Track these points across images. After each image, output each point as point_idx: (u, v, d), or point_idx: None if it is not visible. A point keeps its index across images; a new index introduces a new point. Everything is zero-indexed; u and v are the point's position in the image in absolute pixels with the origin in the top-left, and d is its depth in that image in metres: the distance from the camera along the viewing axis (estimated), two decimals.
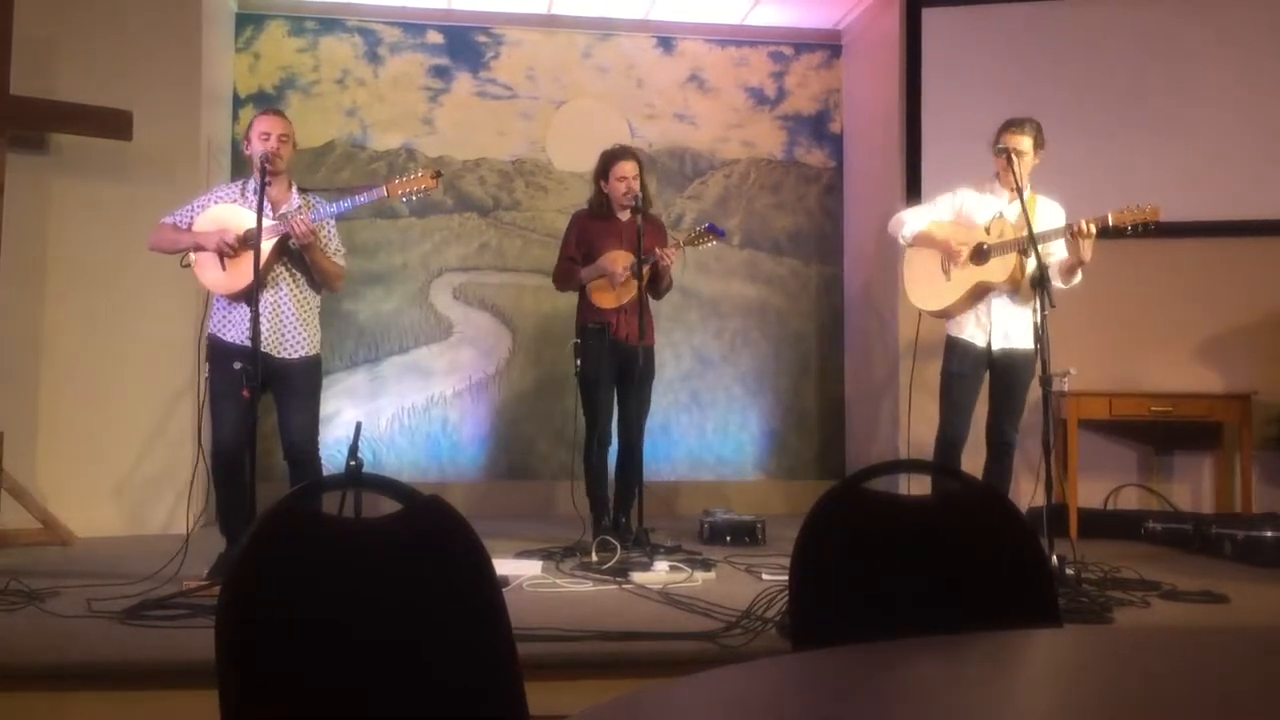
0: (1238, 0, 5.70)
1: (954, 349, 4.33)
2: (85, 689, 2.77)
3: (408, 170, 4.22)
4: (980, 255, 4.21)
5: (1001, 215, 4.22)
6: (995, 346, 4.25)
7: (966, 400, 4.29)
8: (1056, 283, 4.10)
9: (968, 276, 4.23)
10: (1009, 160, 4.09)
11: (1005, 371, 4.27)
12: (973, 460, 4.32)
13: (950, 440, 4.27)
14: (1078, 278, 4.15)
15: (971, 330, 4.29)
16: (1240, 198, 5.56)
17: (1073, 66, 5.79)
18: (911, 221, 4.38)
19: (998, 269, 4.17)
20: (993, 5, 5.95)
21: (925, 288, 4.37)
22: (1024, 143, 4.18)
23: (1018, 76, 5.73)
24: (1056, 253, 4.14)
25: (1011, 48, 5.90)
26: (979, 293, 4.23)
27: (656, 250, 4.64)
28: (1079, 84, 5.75)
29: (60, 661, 2.85)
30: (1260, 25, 5.65)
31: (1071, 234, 3.97)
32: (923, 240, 4.35)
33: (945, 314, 4.34)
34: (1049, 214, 4.22)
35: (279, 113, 4.21)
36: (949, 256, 4.26)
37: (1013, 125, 4.23)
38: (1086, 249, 3.99)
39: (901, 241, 4.44)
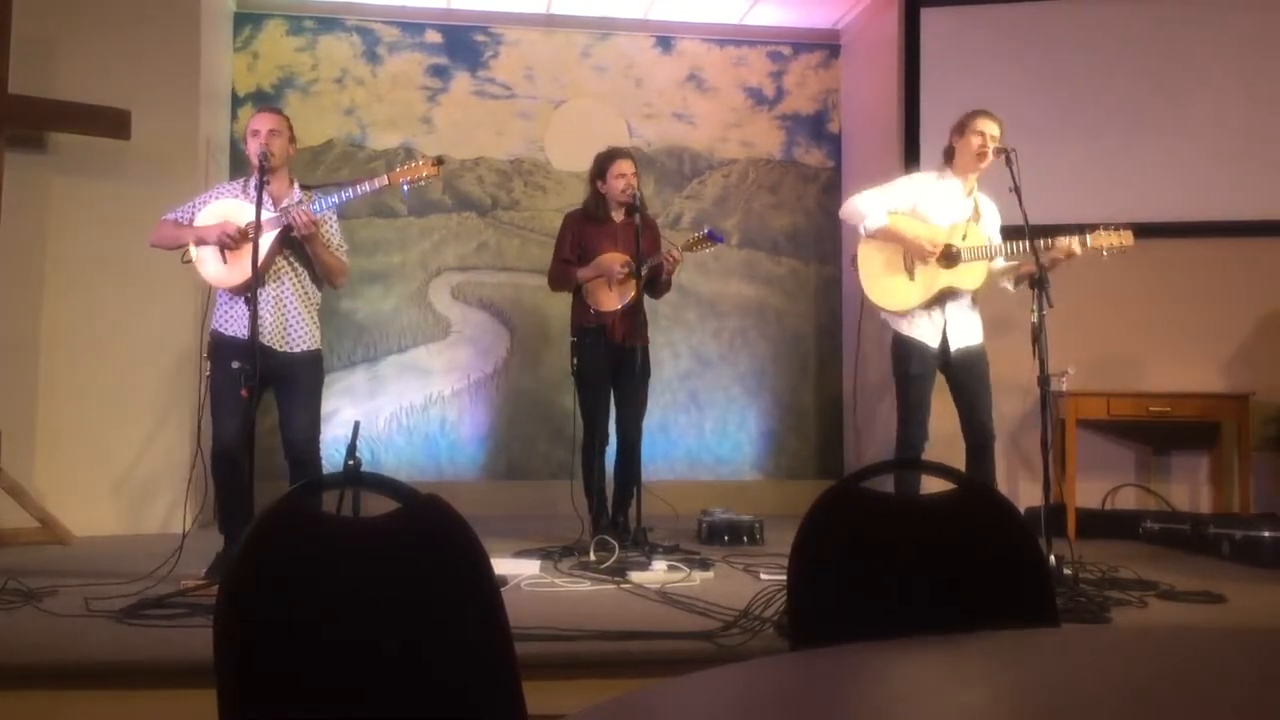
0: (1237, 1, 5.71)
1: (909, 350, 4.20)
2: (83, 688, 2.77)
3: None
4: (950, 258, 4.13)
5: (970, 220, 4.16)
6: (953, 346, 4.17)
7: (927, 401, 4.20)
8: (1005, 284, 4.12)
9: (936, 279, 4.14)
10: (1007, 160, 4.00)
11: (965, 369, 4.18)
12: (949, 459, 4.29)
13: (912, 443, 4.16)
14: (1023, 285, 4.09)
15: (923, 330, 4.18)
16: (1238, 198, 5.57)
17: (1071, 66, 5.79)
18: (872, 213, 4.22)
19: (970, 276, 4.12)
20: (991, 5, 5.95)
21: (886, 284, 4.24)
22: (999, 130, 4.11)
23: (1016, 76, 5.74)
24: (1001, 259, 4.12)
25: (1010, 48, 5.90)
26: (945, 296, 4.17)
27: (662, 259, 4.66)
28: (1077, 84, 5.75)
29: (58, 660, 2.85)
30: (1259, 26, 5.65)
31: (1049, 248, 3.95)
32: (886, 235, 4.21)
33: (905, 313, 4.23)
34: (990, 214, 4.20)
35: (271, 109, 4.22)
36: (916, 257, 4.16)
37: (985, 112, 4.15)
38: (1057, 265, 3.98)
39: (862, 232, 4.27)
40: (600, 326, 4.76)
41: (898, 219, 4.21)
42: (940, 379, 4.26)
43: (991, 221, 4.20)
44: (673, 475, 6.47)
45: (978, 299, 4.26)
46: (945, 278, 4.14)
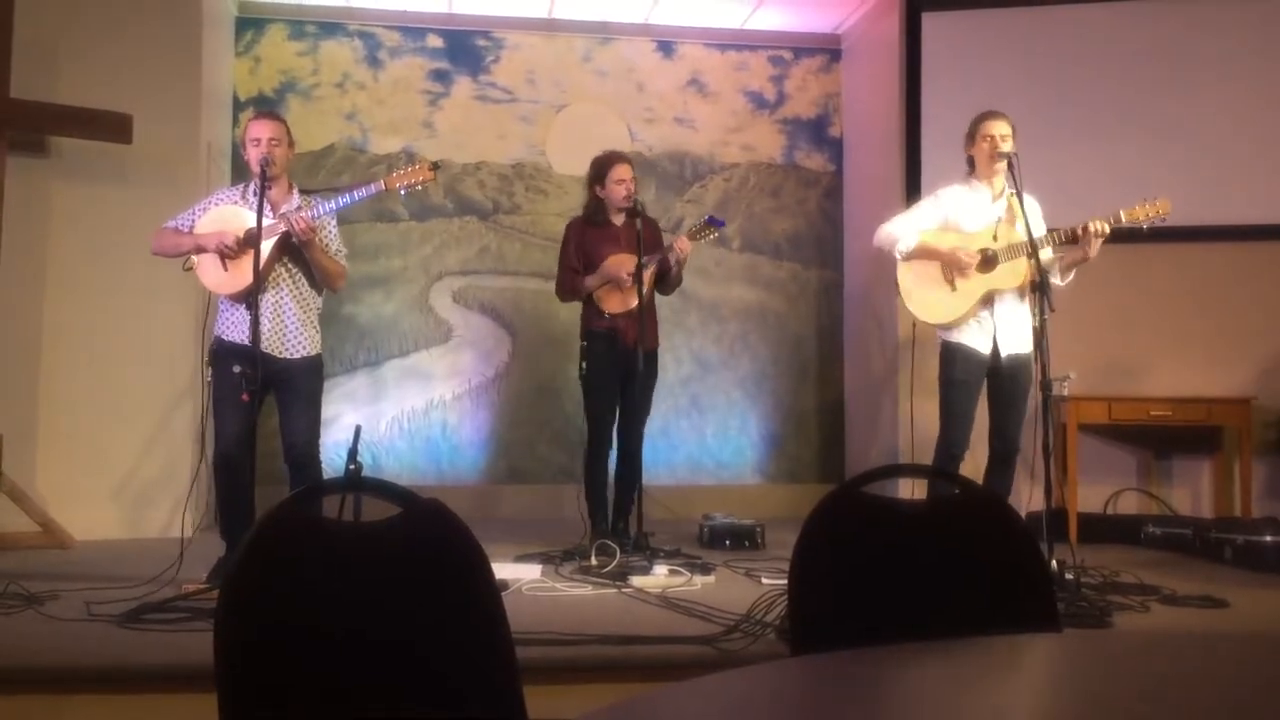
0: (1240, 4, 5.70)
1: (955, 356, 4.20)
2: (84, 692, 2.77)
3: None
4: (988, 263, 4.13)
5: (1001, 220, 4.16)
6: (1003, 352, 4.15)
7: (970, 409, 4.18)
8: (1054, 278, 4.06)
9: (978, 285, 4.14)
10: (1010, 165, 4.02)
11: (1010, 377, 4.16)
12: (972, 464, 4.30)
13: (952, 451, 4.15)
14: (1072, 274, 4.09)
15: (973, 336, 4.17)
16: (1240, 202, 5.57)
17: (1073, 71, 5.79)
18: (904, 236, 4.25)
19: (1009, 275, 4.10)
20: (992, 10, 5.95)
21: (929, 298, 4.24)
22: (1007, 128, 4.11)
23: (1017, 81, 5.73)
24: (1047, 251, 4.08)
25: (1011, 52, 5.90)
26: (990, 300, 4.15)
27: (673, 243, 4.65)
28: (1079, 89, 5.75)
29: (59, 665, 2.85)
30: (1262, 29, 5.64)
31: (1083, 234, 3.94)
32: (922, 254, 4.23)
33: (953, 325, 4.21)
34: (1031, 210, 4.15)
35: (269, 115, 4.21)
36: (955, 269, 4.16)
37: (991, 114, 4.17)
38: (1095, 247, 3.97)
39: (897, 256, 4.29)
40: (612, 330, 4.74)
41: (929, 235, 4.23)
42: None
43: (1033, 217, 4.11)
44: (674, 479, 6.46)
45: (1027, 297, 4.16)
46: (986, 282, 4.13)
